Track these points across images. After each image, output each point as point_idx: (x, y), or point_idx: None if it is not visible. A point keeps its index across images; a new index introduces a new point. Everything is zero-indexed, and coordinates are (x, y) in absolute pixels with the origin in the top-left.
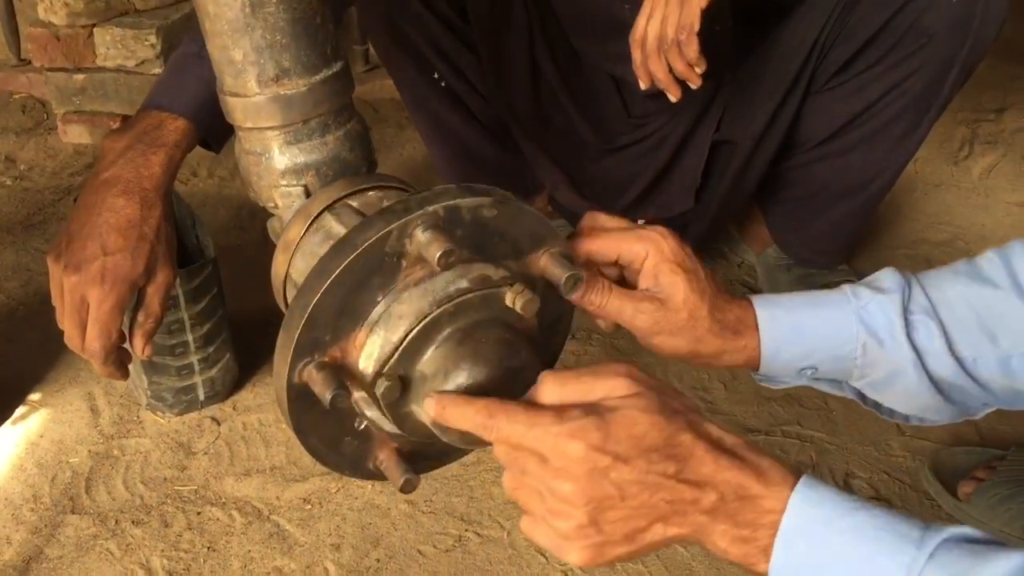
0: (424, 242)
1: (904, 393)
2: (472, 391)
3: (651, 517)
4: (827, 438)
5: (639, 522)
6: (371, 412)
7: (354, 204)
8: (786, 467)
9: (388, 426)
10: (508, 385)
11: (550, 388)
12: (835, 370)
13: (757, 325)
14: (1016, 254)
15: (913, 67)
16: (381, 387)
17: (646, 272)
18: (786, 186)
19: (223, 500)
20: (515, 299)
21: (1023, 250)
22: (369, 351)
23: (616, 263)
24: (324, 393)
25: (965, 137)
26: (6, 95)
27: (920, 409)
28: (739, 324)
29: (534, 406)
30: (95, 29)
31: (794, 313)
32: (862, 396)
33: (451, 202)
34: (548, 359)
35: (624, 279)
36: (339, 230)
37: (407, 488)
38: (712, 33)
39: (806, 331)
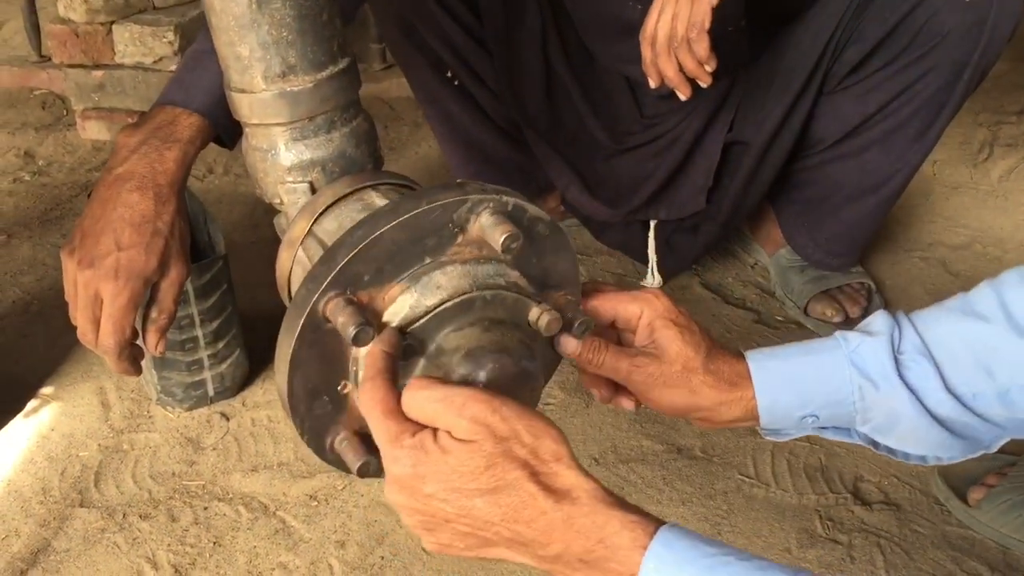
0: (489, 224)
1: (911, 434)
2: (490, 377)
3: (489, 543)
4: (837, 442)
5: (475, 542)
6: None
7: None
8: (644, 524)
9: None
10: (518, 386)
11: (411, 395)
12: (836, 416)
13: (749, 387)
14: (1008, 286)
15: (926, 68)
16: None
17: (641, 330)
18: (799, 187)
19: (230, 495)
20: (540, 316)
21: (1016, 281)
22: (398, 307)
23: (613, 325)
24: (348, 326)
25: (985, 139)
26: (26, 91)
27: (931, 448)
28: (734, 376)
29: (393, 410)
30: (114, 26)
31: (786, 362)
32: (874, 443)
33: (520, 201)
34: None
35: (621, 343)
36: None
37: (364, 471)
38: (725, 33)
39: (799, 379)
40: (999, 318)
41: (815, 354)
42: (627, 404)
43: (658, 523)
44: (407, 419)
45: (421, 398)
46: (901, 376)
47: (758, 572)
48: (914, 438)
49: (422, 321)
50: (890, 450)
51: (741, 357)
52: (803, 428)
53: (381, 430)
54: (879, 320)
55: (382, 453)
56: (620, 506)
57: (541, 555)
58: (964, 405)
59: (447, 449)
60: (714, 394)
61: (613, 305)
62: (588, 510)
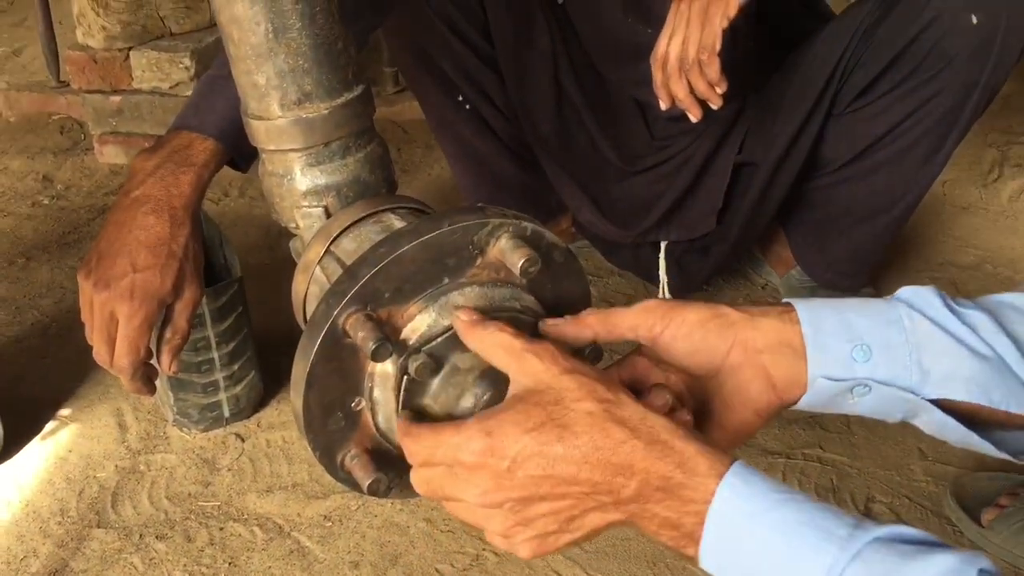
0: (508, 248)
1: (982, 375)
2: (501, 397)
3: (578, 507)
4: (848, 462)
5: (568, 512)
6: (380, 391)
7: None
8: (719, 454)
9: (385, 413)
10: None
11: (479, 332)
12: (889, 348)
13: (789, 305)
14: None
15: (935, 90)
16: (416, 362)
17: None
18: (809, 208)
19: (245, 516)
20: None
21: None
22: (416, 325)
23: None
24: (368, 341)
25: (995, 160)
26: (45, 116)
27: (1002, 400)
28: (767, 306)
29: (437, 424)
30: (131, 52)
31: (826, 300)
32: (960, 418)
33: (538, 227)
34: None
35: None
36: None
37: (374, 488)
38: (734, 56)
39: (840, 307)
40: None
41: (855, 299)
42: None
43: (732, 457)
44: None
45: (502, 332)
46: (952, 310)
47: (823, 511)
48: (984, 379)
49: (439, 340)
50: (996, 443)
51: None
52: (851, 368)
53: (440, 443)
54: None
55: (449, 460)
56: (695, 436)
57: (624, 496)
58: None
59: (513, 400)
60: (743, 310)
61: (604, 317)
62: (666, 436)
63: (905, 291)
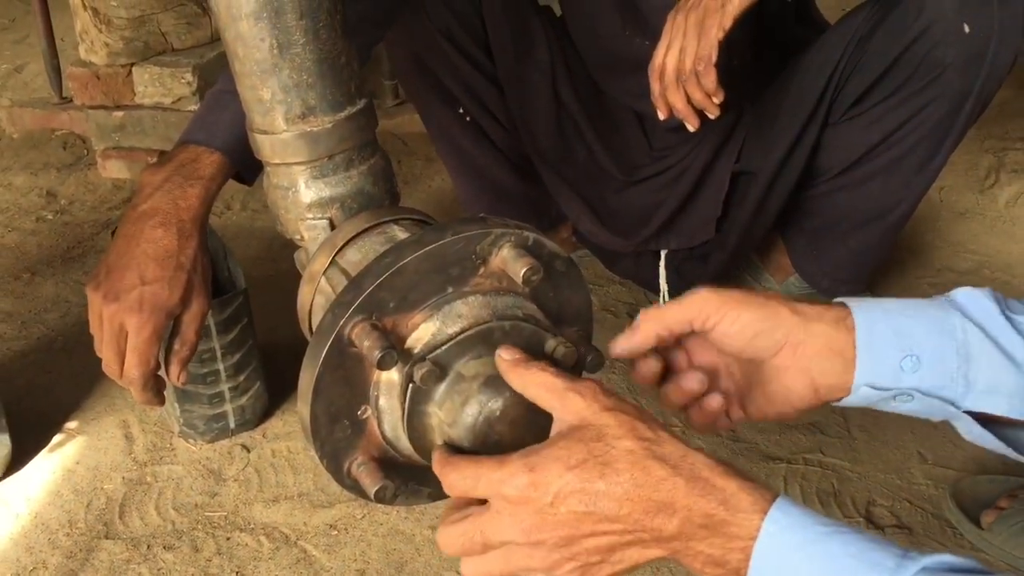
0: (511, 257)
1: (1020, 391)
2: (507, 404)
3: (620, 542)
4: (849, 466)
5: (609, 547)
6: (385, 399)
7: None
8: (760, 489)
9: (391, 421)
10: (535, 415)
11: (520, 372)
12: (938, 362)
13: (844, 306)
14: None
15: (929, 98)
16: (422, 370)
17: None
18: (807, 215)
19: (252, 526)
20: (556, 347)
21: None
22: (420, 334)
23: (662, 347)
24: (374, 350)
25: (991, 165)
26: (48, 132)
27: None
28: (821, 307)
29: (479, 457)
30: (134, 68)
31: (881, 302)
32: (984, 420)
33: (540, 237)
34: None
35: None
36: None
37: (381, 495)
38: (731, 67)
39: (893, 312)
40: None
41: (911, 301)
42: (730, 421)
43: (773, 492)
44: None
45: (545, 372)
46: (1008, 318)
47: (871, 543)
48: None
49: (443, 348)
50: (1017, 446)
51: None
52: (899, 379)
53: (481, 475)
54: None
55: (491, 494)
56: (736, 473)
57: (666, 534)
58: None
59: (557, 437)
60: (795, 308)
61: (660, 320)
62: (707, 473)
63: (962, 294)
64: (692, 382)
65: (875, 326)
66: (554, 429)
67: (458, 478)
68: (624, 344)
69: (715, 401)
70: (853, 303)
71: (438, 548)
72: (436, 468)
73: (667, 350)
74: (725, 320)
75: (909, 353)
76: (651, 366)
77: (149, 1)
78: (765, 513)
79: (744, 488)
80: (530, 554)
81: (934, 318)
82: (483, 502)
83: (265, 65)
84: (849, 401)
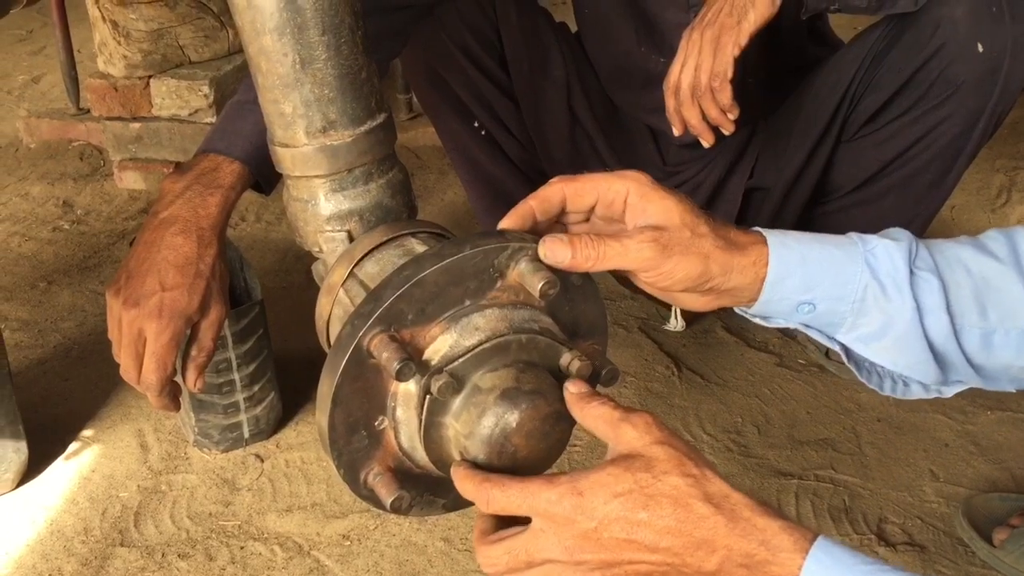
0: (528, 271)
1: (895, 345)
2: (523, 417)
3: (655, 573)
4: (860, 483)
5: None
6: (402, 410)
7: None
8: (801, 529)
9: (407, 432)
10: (549, 427)
11: (581, 406)
12: (831, 312)
13: (766, 245)
14: (1021, 234)
15: (942, 116)
16: (439, 381)
17: (632, 208)
18: (819, 232)
19: (265, 535)
20: (571, 361)
21: None
22: (438, 346)
23: (591, 210)
24: (392, 361)
25: (1003, 185)
26: (65, 143)
27: (906, 367)
28: (746, 243)
29: (525, 477)
30: (151, 80)
31: (802, 244)
32: (847, 351)
33: None
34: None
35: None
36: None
37: (397, 506)
38: (746, 83)
39: (811, 261)
40: (1009, 260)
41: (830, 244)
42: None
43: (814, 532)
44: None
45: (606, 406)
46: (912, 287)
47: None
48: (896, 350)
49: (460, 361)
50: (859, 365)
51: (753, 231)
52: (794, 316)
53: (528, 493)
54: (897, 231)
55: (535, 509)
56: (775, 513)
57: (705, 571)
58: (954, 332)
59: (606, 463)
60: (726, 257)
61: (594, 184)
62: (748, 514)
63: (880, 247)
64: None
65: (785, 277)
66: (608, 456)
67: (501, 494)
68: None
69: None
70: (772, 240)
71: (451, 560)
72: (470, 485)
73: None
74: (663, 273)
75: (808, 301)
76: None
77: (167, 14)
78: (807, 552)
79: (785, 529)
80: (572, 572)
81: (842, 273)
82: (520, 520)
83: (288, 79)
84: (745, 310)
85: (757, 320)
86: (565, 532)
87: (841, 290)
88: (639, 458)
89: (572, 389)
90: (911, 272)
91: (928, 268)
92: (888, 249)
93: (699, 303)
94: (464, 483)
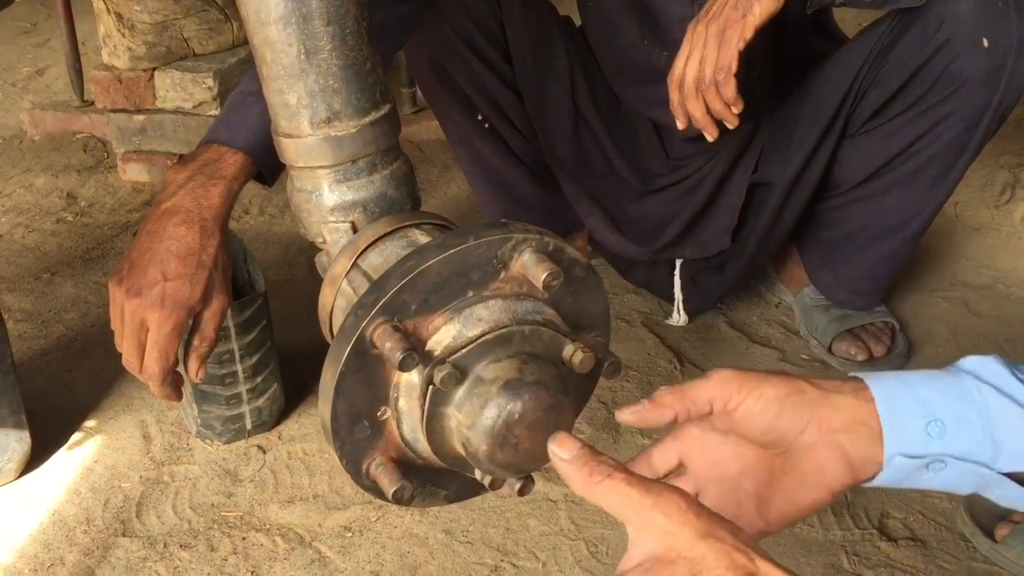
0: (532, 263)
1: None
2: (526, 408)
3: None
4: None
5: None
6: (405, 401)
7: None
8: None
9: (410, 423)
10: (552, 419)
11: (613, 489)
12: (963, 428)
13: (859, 379)
14: None
15: (946, 112)
16: (442, 372)
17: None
18: (823, 227)
19: (267, 526)
20: (574, 353)
21: None
22: (441, 337)
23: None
24: (395, 352)
25: (1007, 181)
26: (69, 134)
27: None
28: (838, 381)
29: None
30: (156, 72)
31: (896, 373)
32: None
33: (560, 243)
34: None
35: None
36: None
37: (399, 496)
38: (750, 77)
39: (912, 382)
40: None
41: (922, 371)
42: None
43: None
44: None
45: (609, 488)
46: (1020, 379)
47: None
48: None
49: (463, 351)
50: None
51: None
52: (930, 446)
53: None
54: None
55: None
56: None
57: None
58: None
59: (644, 570)
60: (818, 382)
61: (680, 396)
62: None
63: (969, 362)
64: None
65: (894, 395)
66: (635, 547)
67: None
68: (637, 414)
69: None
70: (865, 375)
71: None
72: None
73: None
74: (749, 398)
75: (933, 418)
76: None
77: (172, 7)
78: None
79: None
80: None
81: (948, 383)
82: None
83: (292, 70)
84: (885, 477)
85: (893, 486)
86: None
87: (956, 391)
88: (680, 561)
89: (563, 455)
90: (1017, 378)
91: None
92: (980, 359)
93: (838, 474)
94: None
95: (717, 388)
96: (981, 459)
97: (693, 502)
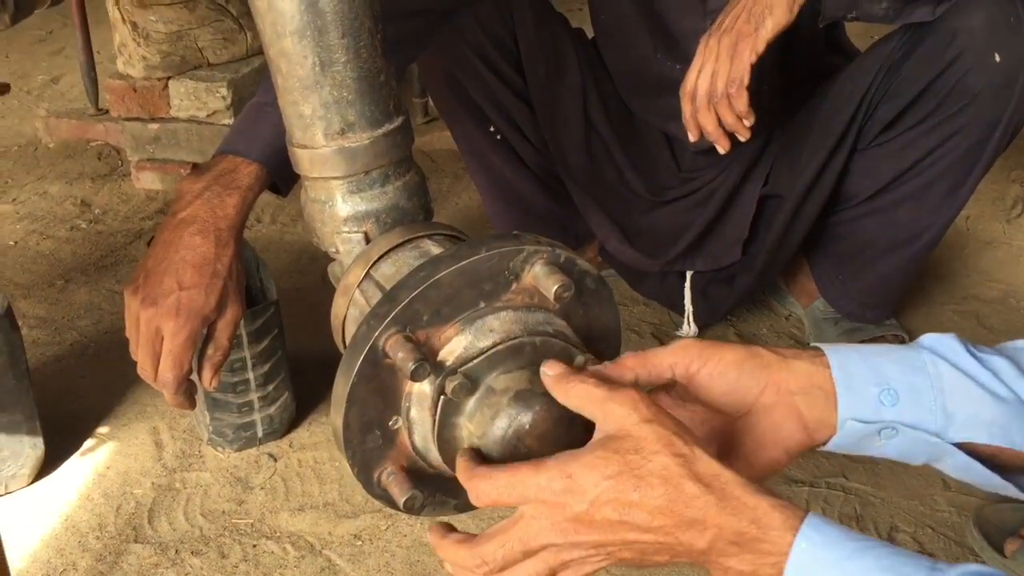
0: (543, 274)
1: (1001, 420)
2: (536, 419)
3: (650, 550)
4: (872, 491)
5: (641, 552)
6: (416, 411)
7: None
8: (792, 507)
9: (421, 432)
10: (563, 430)
11: (565, 384)
12: (916, 398)
13: (817, 348)
14: None
15: (958, 126)
16: (453, 382)
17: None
18: (833, 240)
19: (278, 534)
20: (584, 364)
21: None
22: (452, 347)
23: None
24: (407, 362)
25: (1018, 195)
26: (83, 143)
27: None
28: (796, 349)
29: (512, 465)
30: (170, 82)
31: (852, 344)
32: (976, 455)
33: (571, 255)
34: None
35: None
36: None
37: (410, 505)
38: (761, 90)
39: (867, 352)
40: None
41: (879, 345)
42: None
43: (804, 510)
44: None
45: (588, 384)
46: (974, 356)
47: (902, 557)
48: (1006, 424)
49: (474, 362)
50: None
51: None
52: (882, 413)
53: (516, 482)
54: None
55: (525, 496)
56: (766, 491)
57: (697, 548)
58: None
59: (595, 445)
60: (778, 350)
61: (643, 361)
62: (737, 493)
63: (927, 338)
64: None
65: (849, 364)
66: (595, 435)
67: (490, 486)
68: (596, 370)
69: None
70: (824, 345)
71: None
72: (463, 476)
73: None
74: (710, 362)
75: (886, 387)
76: None
77: (187, 16)
78: (796, 530)
79: (776, 507)
80: (568, 554)
81: (904, 356)
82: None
83: (307, 82)
84: (837, 442)
85: (845, 450)
86: (558, 515)
87: (910, 364)
88: (627, 438)
89: (549, 372)
90: (971, 354)
91: (988, 351)
92: (936, 336)
93: (793, 435)
94: (459, 474)
95: (678, 354)
96: (932, 429)
97: (646, 398)
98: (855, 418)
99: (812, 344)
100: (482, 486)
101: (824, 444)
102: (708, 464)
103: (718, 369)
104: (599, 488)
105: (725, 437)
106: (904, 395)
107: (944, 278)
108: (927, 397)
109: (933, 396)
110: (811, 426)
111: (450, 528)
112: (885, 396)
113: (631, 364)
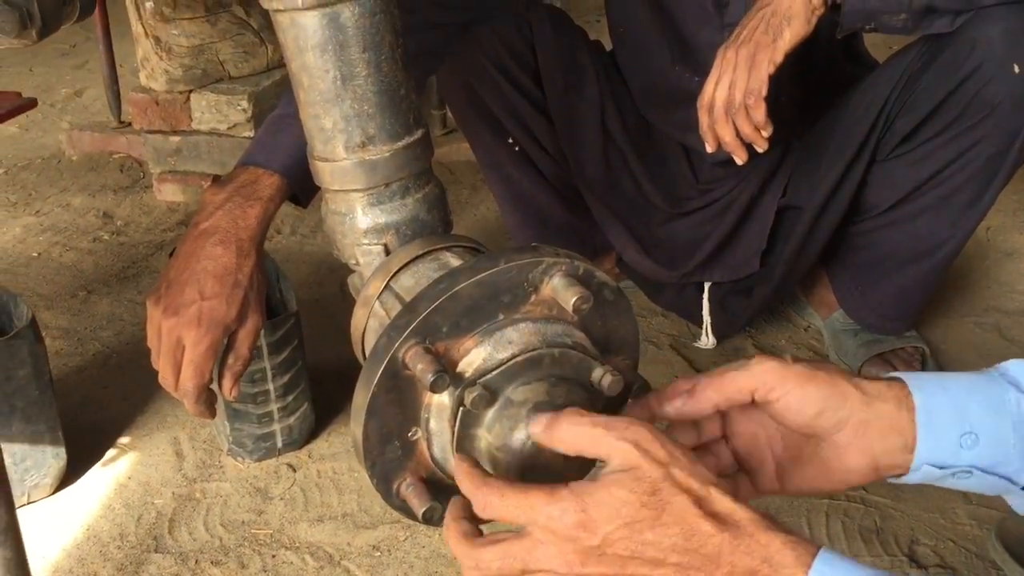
0: (561, 286)
1: None
2: None
3: None
4: (892, 504)
5: None
6: (435, 422)
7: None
8: (804, 544)
9: (440, 444)
10: None
11: (570, 424)
12: (996, 441)
13: (903, 384)
14: None
15: (977, 137)
16: (472, 394)
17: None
18: (852, 251)
19: (297, 544)
20: (603, 376)
21: None
22: (472, 359)
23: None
24: (426, 373)
25: None
26: (106, 155)
27: None
28: (883, 385)
29: (526, 486)
30: (192, 95)
31: (940, 379)
32: None
33: (590, 267)
34: None
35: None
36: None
37: (429, 516)
38: (779, 102)
39: (951, 388)
40: None
41: (963, 374)
42: (755, 492)
43: (817, 545)
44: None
45: (583, 425)
46: None
47: None
48: None
49: (493, 374)
50: None
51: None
52: (960, 458)
53: (527, 503)
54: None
55: (535, 521)
56: (779, 528)
57: None
58: None
59: (609, 482)
60: (861, 384)
61: (720, 388)
62: (751, 531)
63: (1014, 366)
64: (725, 458)
65: (935, 406)
66: (608, 467)
67: (500, 503)
68: (678, 406)
69: (744, 485)
70: (911, 380)
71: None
72: (469, 485)
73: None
74: (790, 395)
75: (968, 431)
76: (689, 438)
77: (209, 30)
78: (809, 567)
79: (788, 543)
80: None
81: (990, 394)
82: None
83: (328, 95)
84: (908, 479)
85: (920, 482)
86: (567, 547)
87: (995, 403)
88: (644, 480)
89: (535, 430)
90: None
91: None
92: (1019, 364)
93: (862, 474)
94: (464, 481)
95: (758, 379)
96: (1007, 473)
97: (654, 432)
98: (932, 463)
99: (896, 375)
100: (491, 500)
101: (894, 479)
102: (723, 503)
103: (799, 403)
104: (612, 525)
105: (789, 451)
106: (985, 438)
107: (965, 289)
108: (1007, 441)
109: (1014, 441)
110: (882, 468)
111: (467, 514)
112: (966, 440)
113: (709, 395)
